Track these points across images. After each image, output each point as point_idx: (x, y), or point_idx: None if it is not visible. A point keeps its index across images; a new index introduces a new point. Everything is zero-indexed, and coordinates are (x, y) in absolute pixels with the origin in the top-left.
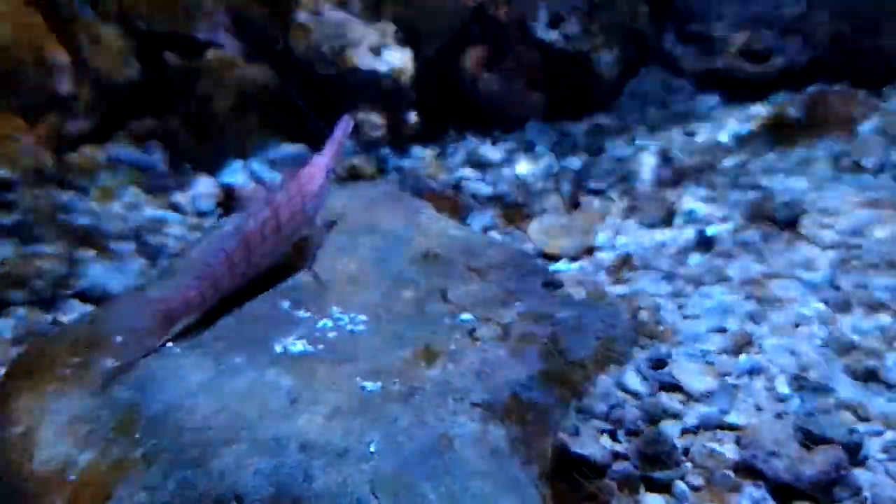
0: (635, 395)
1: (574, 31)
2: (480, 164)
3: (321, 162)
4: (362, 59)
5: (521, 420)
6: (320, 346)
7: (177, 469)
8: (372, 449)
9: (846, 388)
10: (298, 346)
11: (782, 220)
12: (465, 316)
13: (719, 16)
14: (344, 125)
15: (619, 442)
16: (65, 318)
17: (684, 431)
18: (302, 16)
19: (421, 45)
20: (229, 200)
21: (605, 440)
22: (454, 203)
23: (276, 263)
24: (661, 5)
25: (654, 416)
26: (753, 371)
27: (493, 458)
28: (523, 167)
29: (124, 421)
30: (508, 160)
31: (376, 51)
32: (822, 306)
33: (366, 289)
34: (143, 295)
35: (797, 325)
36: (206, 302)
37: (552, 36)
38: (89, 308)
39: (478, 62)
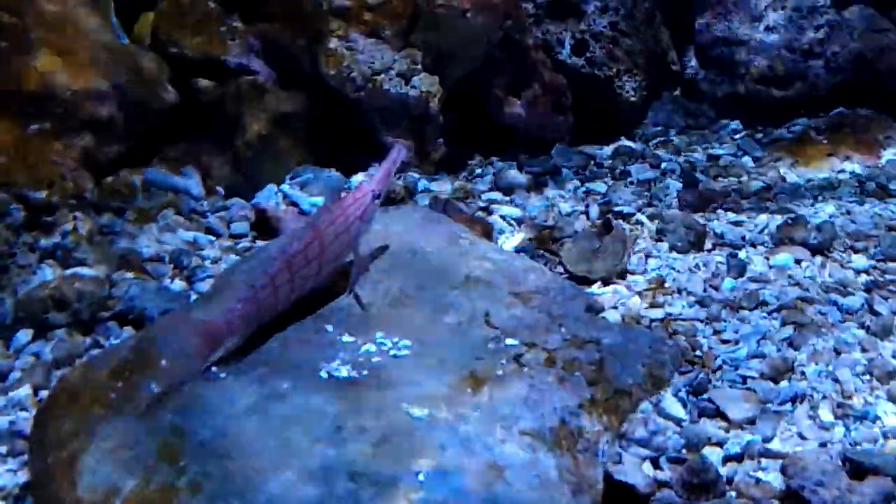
0: (676, 421)
1: (598, 57)
2: (508, 188)
3: (368, 187)
4: (392, 84)
5: (571, 448)
6: (365, 372)
7: (223, 497)
8: (421, 478)
9: (891, 417)
10: (343, 371)
11: (813, 244)
12: (510, 341)
13: (741, 41)
14: (396, 152)
15: (662, 469)
16: (104, 341)
17: (727, 459)
18: (333, 42)
19: (448, 70)
20: (263, 223)
21: (648, 467)
22: (485, 226)
23: (319, 286)
24: (684, 31)
25: (697, 444)
26: (796, 398)
27: (544, 487)
28: (551, 191)
29: (169, 447)
30: (536, 184)
31: (406, 76)
32: (862, 332)
33: (408, 313)
34: (186, 318)
35: (838, 352)
36: (249, 325)
37: (577, 61)
38: (128, 330)
39: (504, 87)
